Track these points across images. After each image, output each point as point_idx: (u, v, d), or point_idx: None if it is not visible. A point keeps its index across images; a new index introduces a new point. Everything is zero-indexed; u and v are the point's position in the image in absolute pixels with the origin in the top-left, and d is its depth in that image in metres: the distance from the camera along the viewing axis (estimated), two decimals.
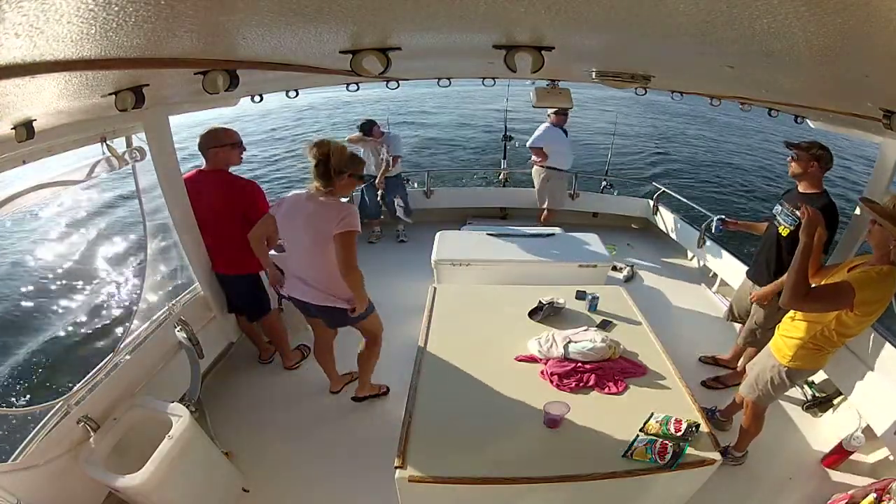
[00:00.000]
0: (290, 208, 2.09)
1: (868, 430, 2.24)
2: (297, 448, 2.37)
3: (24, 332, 4.82)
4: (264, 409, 2.64)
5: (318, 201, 2.02)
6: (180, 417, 1.79)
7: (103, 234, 7.56)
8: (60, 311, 5.31)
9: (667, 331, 2.59)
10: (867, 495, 1.83)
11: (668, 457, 1.53)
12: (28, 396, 3.93)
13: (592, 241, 3.58)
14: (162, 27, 0.77)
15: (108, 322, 5.09)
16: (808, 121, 2.85)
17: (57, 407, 1.79)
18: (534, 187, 4.83)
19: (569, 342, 2.09)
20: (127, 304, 5.34)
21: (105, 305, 5.47)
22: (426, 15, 0.88)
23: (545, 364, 2.03)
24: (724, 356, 3.05)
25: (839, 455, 2.26)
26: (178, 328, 2.24)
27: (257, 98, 3.06)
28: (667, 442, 1.57)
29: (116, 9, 0.60)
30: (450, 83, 3.15)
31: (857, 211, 2.55)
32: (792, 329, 1.93)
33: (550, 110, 4.40)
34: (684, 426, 1.63)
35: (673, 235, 4.80)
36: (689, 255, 4.64)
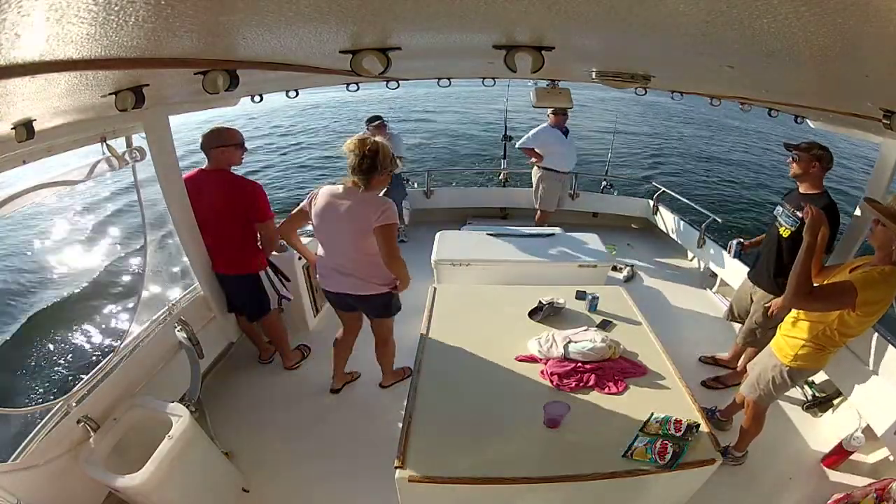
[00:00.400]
0: (327, 203, 2.13)
1: (868, 430, 2.24)
2: (297, 448, 2.37)
3: (24, 332, 4.82)
4: (264, 409, 2.64)
5: (357, 196, 2.08)
6: (180, 417, 1.78)
7: (104, 234, 7.57)
8: (60, 310, 5.31)
9: (667, 331, 2.59)
10: (867, 495, 1.83)
11: (668, 457, 1.52)
12: (28, 396, 3.93)
13: (592, 241, 3.58)
14: (162, 27, 0.77)
15: (108, 322, 5.09)
16: (808, 121, 2.85)
17: (57, 407, 1.79)
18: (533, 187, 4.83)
19: (569, 342, 2.09)
20: (127, 303, 5.35)
21: (105, 305, 5.47)
22: (426, 15, 0.88)
23: (545, 364, 2.03)
24: (724, 356, 3.05)
25: (839, 455, 2.26)
26: (178, 328, 2.24)
27: (257, 98, 3.06)
28: (667, 442, 1.57)
29: (116, 9, 0.60)
30: (450, 83, 3.15)
31: (857, 211, 2.55)
32: (794, 329, 1.94)
33: (550, 110, 4.37)
34: (684, 426, 1.63)
35: (673, 235, 4.80)
36: (689, 255, 4.64)
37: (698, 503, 1.77)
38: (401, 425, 1.70)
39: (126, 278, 6.09)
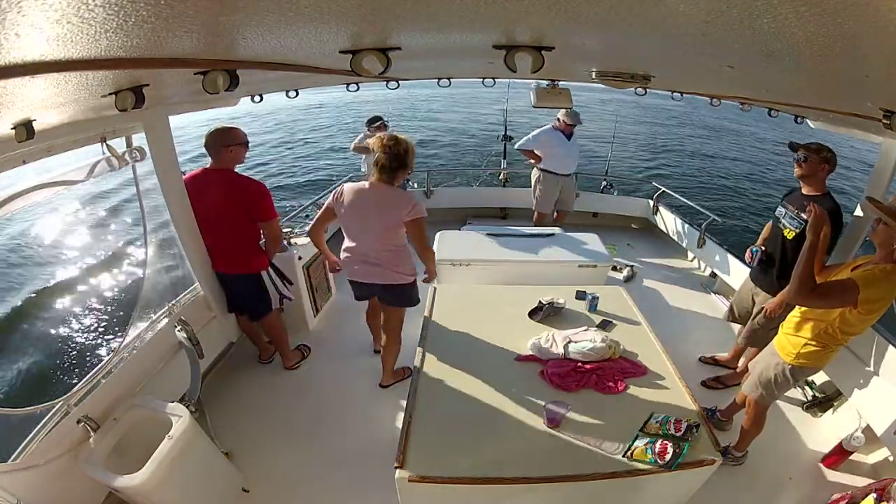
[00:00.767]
0: (355, 198, 2.23)
1: (868, 431, 2.24)
2: (297, 448, 2.37)
3: (24, 332, 4.82)
4: (264, 409, 2.64)
5: (385, 191, 2.20)
6: (180, 417, 1.78)
7: (104, 233, 7.57)
8: (61, 310, 5.32)
9: (667, 331, 2.59)
10: (867, 495, 1.83)
11: (668, 457, 1.52)
12: (28, 396, 3.93)
13: (592, 241, 3.58)
14: (162, 27, 0.77)
15: (108, 322, 5.10)
16: (808, 121, 2.85)
17: (57, 407, 1.79)
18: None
19: (569, 342, 2.09)
20: (127, 303, 5.35)
21: (105, 305, 5.47)
22: (426, 15, 0.87)
23: (545, 364, 2.03)
24: (724, 356, 3.05)
25: (839, 455, 2.26)
26: (178, 328, 2.24)
27: (257, 98, 3.07)
28: (667, 442, 1.57)
29: (116, 9, 0.60)
30: (450, 83, 3.15)
31: (857, 211, 2.55)
32: (796, 327, 1.94)
33: (560, 114, 4.29)
34: (684, 426, 1.63)
35: (673, 235, 4.80)
36: (689, 255, 4.64)
37: (698, 503, 1.77)
38: (401, 425, 1.70)
39: (126, 278, 6.09)
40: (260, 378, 2.89)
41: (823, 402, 2.66)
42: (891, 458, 2.16)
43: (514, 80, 4.46)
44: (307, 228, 2.59)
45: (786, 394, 2.60)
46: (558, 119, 4.34)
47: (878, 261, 1.72)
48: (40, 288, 5.74)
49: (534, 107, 2.93)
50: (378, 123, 4.46)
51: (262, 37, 1.01)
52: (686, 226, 4.60)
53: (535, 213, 4.74)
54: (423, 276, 2.54)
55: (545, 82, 2.93)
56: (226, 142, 2.34)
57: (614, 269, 4.26)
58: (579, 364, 2.01)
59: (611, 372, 1.98)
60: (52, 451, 1.72)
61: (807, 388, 2.75)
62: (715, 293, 3.99)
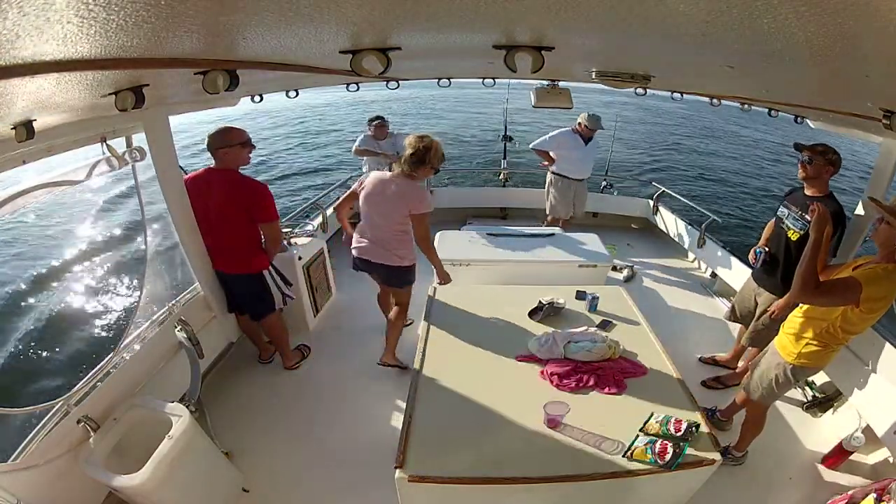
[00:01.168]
0: (376, 185, 2.50)
1: (868, 431, 2.24)
2: (296, 448, 2.37)
3: (24, 332, 4.82)
4: (264, 409, 2.64)
5: (401, 182, 2.44)
6: (180, 417, 1.78)
7: (104, 233, 7.57)
8: (61, 311, 5.32)
9: (667, 331, 2.59)
10: (867, 495, 1.82)
11: (668, 457, 1.52)
12: (28, 396, 3.93)
13: (592, 241, 3.58)
14: (162, 27, 0.77)
15: (108, 322, 5.10)
16: (808, 121, 2.85)
17: (57, 407, 1.79)
18: (533, 187, 4.81)
19: (569, 342, 2.09)
20: (127, 303, 5.35)
21: (105, 305, 5.47)
22: (426, 15, 0.88)
23: (545, 364, 2.03)
24: (724, 356, 3.04)
25: (839, 455, 2.26)
26: (178, 328, 2.24)
27: (257, 98, 3.07)
28: (667, 442, 1.57)
29: (116, 9, 0.60)
30: (450, 83, 3.15)
31: (859, 210, 2.55)
32: (797, 326, 1.94)
33: (581, 118, 4.14)
34: (684, 426, 1.63)
35: (673, 235, 4.80)
36: (689, 255, 4.64)
37: (698, 503, 1.77)
38: (401, 425, 1.70)
39: (127, 278, 6.09)
40: (260, 378, 2.89)
41: (823, 402, 2.66)
42: (891, 459, 2.16)
43: (514, 80, 4.45)
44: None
45: (786, 394, 2.60)
46: (579, 123, 4.19)
47: (879, 260, 1.72)
48: (40, 288, 5.74)
49: (534, 107, 2.94)
50: (378, 122, 4.46)
51: (262, 37, 1.01)
52: (686, 226, 4.60)
53: (549, 217, 4.57)
54: (437, 282, 2.75)
55: (545, 82, 2.93)
56: (227, 142, 2.33)
57: (614, 269, 4.26)
58: (579, 364, 2.01)
59: (611, 372, 1.98)
60: (52, 451, 1.72)
61: (807, 388, 2.75)
62: (715, 293, 3.99)
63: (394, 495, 1.54)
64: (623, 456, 1.57)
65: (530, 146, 4.46)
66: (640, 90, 2.89)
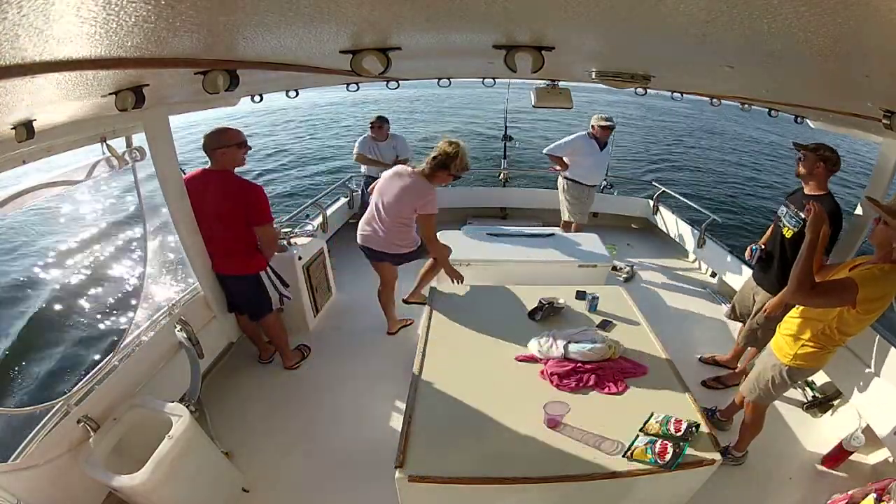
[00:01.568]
0: (392, 179, 2.64)
1: (868, 431, 2.24)
2: (296, 448, 2.37)
3: (24, 332, 4.82)
4: (264, 409, 2.64)
5: (415, 180, 2.56)
6: (180, 417, 1.78)
7: (104, 234, 7.57)
8: (61, 310, 5.31)
9: (667, 331, 2.59)
10: (867, 495, 1.82)
11: (668, 457, 1.52)
12: (28, 396, 3.93)
13: (592, 241, 3.58)
14: (162, 27, 0.77)
15: (108, 322, 5.09)
16: (808, 121, 2.85)
17: (57, 407, 1.79)
18: (533, 187, 4.79)
19: (569, 342, 2.09)
20: (127, 303, 5.35)
21: (106, 305, 5.47)
22: (426, 15, 0.88)
23: (545, 364, 2.03)
24: (724, 356, 3.04)
25: (839, 455, 2.26)
26: (178, 328, 2.24)
27: (257, 98, 3.07)
28: (667, 442, 1.57)
29: (116, 9, 0.60)
30: (450, 83, 3.15)
31: (858, 210, 2.55)
32: (793, 327, 1.94)
33: (593, 120, 4.04)
34: (684, 426, 1.63)
35: (673, 235, 4.80)
36: (690, 255, 4.64)
37: (698, 503, 1.77)
38: (401, 425, 1.70)
39: (127, 278, 6.09)
40: (260, 378, 2.89)
41: (823, 402, 2.66)
42: (891, 459, 2.16)
43: (514, 80, 4.44)
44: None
45: (786, 394, 2.60)
46: (592, 126, 4.07)
47: (876, 261, 1.71)
48: (40, 287, 5.74)
49: (534, 107, 2.94)
50: (378, 124, 4.46)
51: (262, 37, 1.01)
52: (686, 226, 4.60)
53: (562, 222, 4.46)
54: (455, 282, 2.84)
55: (545, 82, 2.93)
56: (222, 143, 2.33)
57: (614, 269, 4.26)
58: (579, 364, 2.00)
59: (611, 372, 1.98)
60: (52, 451, 1.72)
61: (807, 388, 2.75)
62: (715, 293, 3.99)
63: (394, 495, 1.54)
64: (623, 456, 1.57)
65: (544, 151, 4.28)
66: (640, 90, 2.89)
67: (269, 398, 2.72)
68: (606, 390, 1.89)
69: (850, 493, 1.93)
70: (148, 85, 1.43)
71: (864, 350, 2.36)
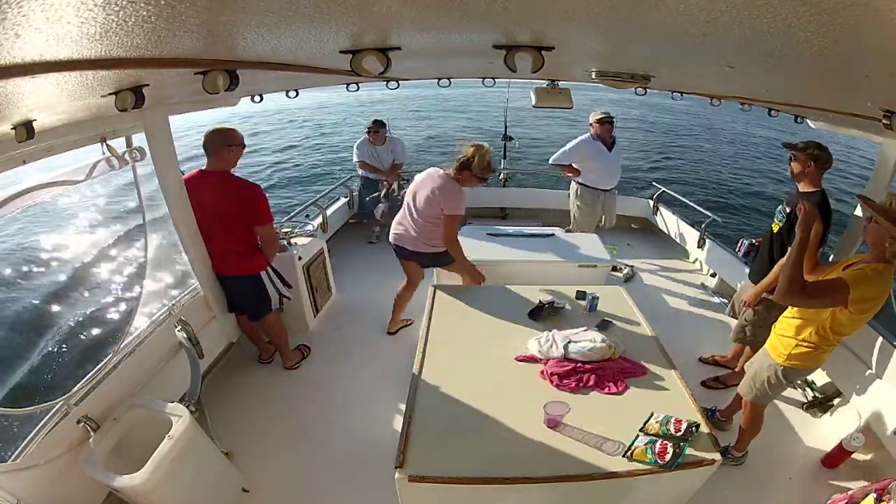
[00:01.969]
0: (425, 179, 2.73)
1: (868, 431, 2.24)
2: (296, 448, 2.37)
3: (24, 332, 4.82)
4: (264, 409, 2.64)
5: (444, 182, 2.65)
6: (180, 417, 1.78)
7: (104, 234, 7.57)
8: (61, 311, 5.31)
9: (667, 331, 2.58)
10: (867, 495, 1.82)
11: (668, 457, 1.52)
12: (28, 396, 3.93)
13: (592, 241, 3.58)
14: (162, 27, 0.77)
15: (108, 322, 5.09)
16: (808, 121, 2.85)
17: (57, 407, 1.79)
18: (533, 188, 4.77)
19: (569, 342, 2.09)
20: (127, 304, 5.34)
21: (105, 305, 5.47)
22: (426, 15, 0.88)
23: (545, 364, 2.03)
24: (724, 356, 3.05)
25: (839, 455, 2.26)
26: (178, 328, 2.24)
27: (257, 98, 3.07)
28: (667, 442, 1.57)
29: (116, 9, 0.60)
30: (450, 83, 3.15)
31: (857, 211, 2.55)
32: (787, 328, 1.93)
33: (592, 119, 3.92)
34: (684, 426, 1.63)
35: (673, 235, 4.80)
36: (690, 255, 4.64)
37: (698, 503, 1.77)
38: (401, 425, 1.70)
39: (127, 278, 6.08)
40: (260, 378, 2.89)
41: (823, 402, 2.66)
42: (891, 459, 2.16)
43: (514, 80, 4.44)
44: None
45: (786, 394, 2.61)
46: (591, 126, 3.91)
47: (870, 260, 1.70)
48: (40, 287, 5.74)
49: (534, 107, 2.93)
50: (374, 127, 4.48)
51: (262, 37, 1.01)
52: (686, 226, 4.60)
53: (574, 230, 4.18)
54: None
55: (545, 82, 2.93)
56: (224, 142, 2.33)
57: (614, 269, 4.25)
58: (579, 364, 2.00)
59: (611, 372, 1.98)
60: (52, 451, 1.72)
61: (807, 388, 2.75)
62: (715, 293, 3.99)
63: (394, 495, 1.54)
64: (623, 456, 1.57)
65: (550, 161, 4.07)
66: (639, 90, 2.89)
67: (269, 398, 2.72)
68: (606, 390, 1.89)
69: (850, 493, 1.93)
70: (148, 85, 1.43)
71: (864, 350, 2.36)
